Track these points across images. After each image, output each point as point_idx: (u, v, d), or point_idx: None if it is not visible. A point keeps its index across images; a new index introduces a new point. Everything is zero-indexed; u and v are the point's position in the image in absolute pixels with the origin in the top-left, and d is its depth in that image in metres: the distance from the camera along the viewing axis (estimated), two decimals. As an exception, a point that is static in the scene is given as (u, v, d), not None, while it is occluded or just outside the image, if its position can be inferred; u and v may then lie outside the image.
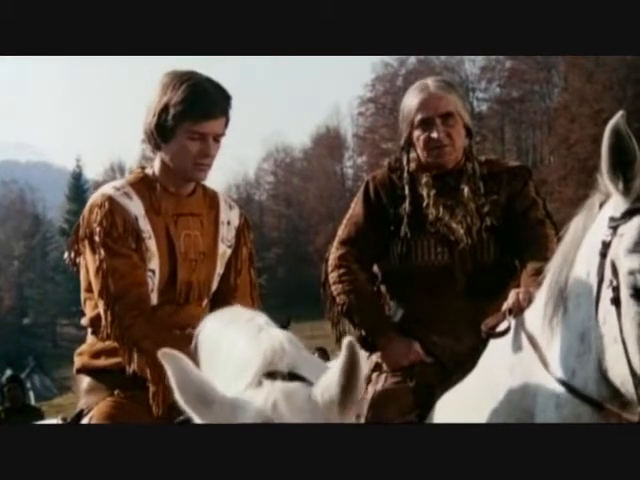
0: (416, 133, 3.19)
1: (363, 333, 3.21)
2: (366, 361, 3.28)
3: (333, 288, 3.24)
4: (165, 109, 2.84)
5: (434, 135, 3.14)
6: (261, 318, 2.11)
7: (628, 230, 2.27)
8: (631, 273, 2.22)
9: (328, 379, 1.76)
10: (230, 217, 3.10)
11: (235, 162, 60.66)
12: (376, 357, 3.20)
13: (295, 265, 54.52)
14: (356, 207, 3.29)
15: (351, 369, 1.72)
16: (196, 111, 2.83)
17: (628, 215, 2.28)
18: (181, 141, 2.86)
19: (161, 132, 2.87)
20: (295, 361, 1.87)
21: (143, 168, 3.03)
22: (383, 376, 3.14)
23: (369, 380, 3.17)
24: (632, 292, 2.22)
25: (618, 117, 2.25)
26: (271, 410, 1.75)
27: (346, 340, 1.73)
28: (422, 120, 3.16)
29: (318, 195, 55.82)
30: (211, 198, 3.08)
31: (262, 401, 1.76)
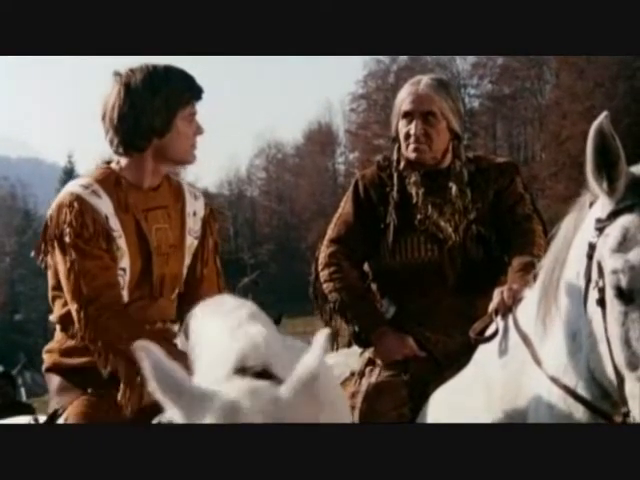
0: (399, 125, 3.24)
1: (356, 329, 3.24)
2: (358, 358, 3.31)
3: (325, 286, 3.26)
4: (155, 106, 2.81)
5: (411, 131, 3.19)
6: (246, 309, 2.10)
7: (612, 230, 2.27)
8: (614, 273, 2.22)
9: (292, 377, 1.78)
10: (196, 208, 3.07)
11: (227, 158, 60.48)
12: (369, 353, 3.22)
13: (287, 261, 54.44)
14: (346, 206, 3.31)
15: (312, 367, 1.76)
16: (191, 96, 2.87)
17: (613, 216, 2.28)
18: (180, 128, 2.85)
19: (156, 129, 2.83)
20: (269, 359, 1.89)
21: (108, 163, 2.97)
22: (377, 369, 3.16)
23: (362, 374, 3.20)
24: (615, 292, 2.22)
25: (602, 118, 2.25)
26: (233, 406, 1.76)
27: (318, 335, 1.78)
28: (405, 113, 3.21)
29: (310, 191, 55.71)
30: (176, 189, 3.04)
31: (227, 397, 1.78)
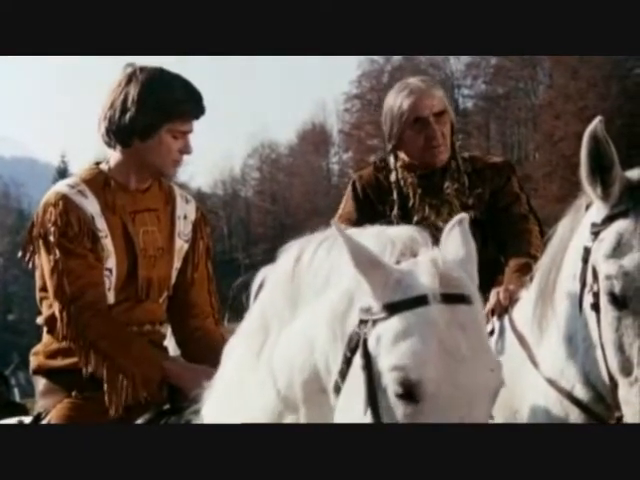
0: (409, 133, 3.20)
1: None
2: None
3: None
4: (145, 106, 2.79)
5: (431, 134, 3.17)
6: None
7: (607, 235, 2.27)
8: (608, 278, 2.22)
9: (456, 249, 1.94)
10: (186, 211, 3.04)
11: (221, 158, 60.40)
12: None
13: (281, 261, 54.20)
14: (346, 205, 3.31)
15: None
16: (187, 111, 2.83)
17: (608, 221, 2.29)
18: (164, 139, 2.82)
19: (138, 130, 2.81)
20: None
21: (98, 164, 2.95)
22: None
23: None
24: (609, 298, 2.22)
25: (596, 122, 2.25)
26: (440, 264, 1.84)
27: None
28: (416, 120, 3.17)
29: (304, 191, 55.70)
30: (167, 193, 3.01)
31: (427, 260, 1.84)
